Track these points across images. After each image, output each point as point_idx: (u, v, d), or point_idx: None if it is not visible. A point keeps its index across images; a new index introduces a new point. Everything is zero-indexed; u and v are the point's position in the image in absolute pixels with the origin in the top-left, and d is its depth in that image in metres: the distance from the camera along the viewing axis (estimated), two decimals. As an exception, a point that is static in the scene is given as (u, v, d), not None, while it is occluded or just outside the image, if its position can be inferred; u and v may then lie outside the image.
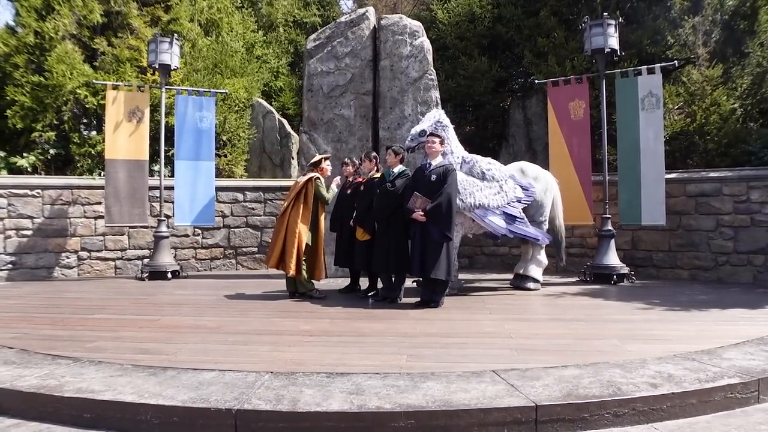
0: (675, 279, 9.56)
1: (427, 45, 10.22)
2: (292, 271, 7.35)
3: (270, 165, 13.98)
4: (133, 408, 3.53)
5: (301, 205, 7.49)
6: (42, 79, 11.81)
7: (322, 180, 7.71)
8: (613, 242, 9.19)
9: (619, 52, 9.47)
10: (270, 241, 8.36)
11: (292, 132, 14.14)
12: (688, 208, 9.60)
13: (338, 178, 8.05)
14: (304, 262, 7.48)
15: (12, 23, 12.98)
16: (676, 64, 10.47)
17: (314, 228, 7.60)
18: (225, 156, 13.21)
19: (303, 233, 7.42)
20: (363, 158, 7.94)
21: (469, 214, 7.57)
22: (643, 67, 9.35)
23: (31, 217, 9.95)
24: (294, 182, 8.43)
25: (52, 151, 12.07)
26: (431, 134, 7.11)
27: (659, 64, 9.32)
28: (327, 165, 7.88)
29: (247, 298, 7.64)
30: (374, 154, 7.96)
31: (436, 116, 7.79)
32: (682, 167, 10.56)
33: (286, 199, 7.80)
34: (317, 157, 7.92)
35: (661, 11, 12.02)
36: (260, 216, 11.45)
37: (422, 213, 6.62)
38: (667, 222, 9.17)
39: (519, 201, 7.87)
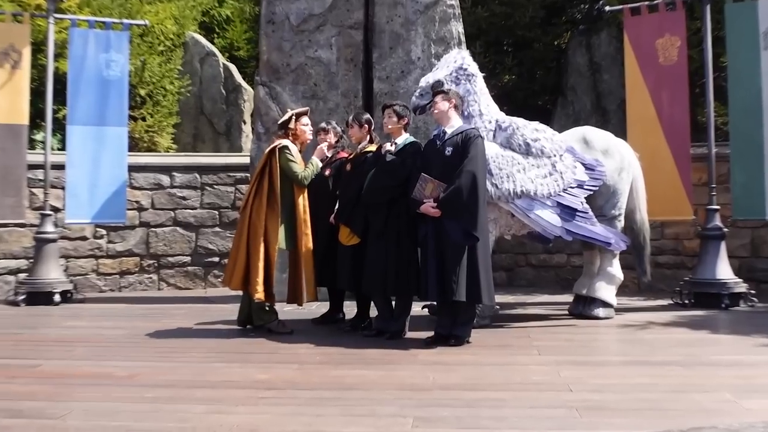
0: (816, 301, 9.55)
1: (446, -47, 10.19)
2: (259, 295, 7.19)
3: (211, 133, 13.97)
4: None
5: (265, 192, 7.35)
6: None
7: (294, 149, 7.56)
8: (723, 246, 9.18)
9: (732, -38, 9.46)
10: (230, 248, 8.25)
11: (243, 84, 14.12)
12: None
13: (324, 144, 7.86)
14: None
15: None
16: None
17: (290, 225, 7.48)
18: (143, 119, 13.18)
19: (272, 235, 7.31)
20: (350, 122, 7.83)
21: (506, 207, 7.55)
22: (767, -15, 9.33)
23: None
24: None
25: None
26: (438, 92, 7.04)
27: (792, -19, 9.29)
28: (304, 126, 7.75)
29: (176, 334, 7.59)
30: (367, 116, 7.89)
31: (458, 60, 7.76)
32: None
33: (250, 182, 7.75)
34: (288, 115, 7.77)
35: None
36: (196, 209, 11.44)
37: (435, 204, 6.57)
38: (805, 216, 9.17)
39: (581, 186, 7.85)
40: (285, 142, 7.48)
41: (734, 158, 9.42)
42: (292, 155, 7.42)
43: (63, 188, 10.19)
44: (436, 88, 7.27)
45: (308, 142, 7.78)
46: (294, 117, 7.65)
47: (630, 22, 10.00)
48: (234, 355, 6.56)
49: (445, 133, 6.87)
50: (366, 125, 7.70)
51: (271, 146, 7.56)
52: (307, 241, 7.43)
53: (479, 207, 6.60)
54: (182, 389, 5.28)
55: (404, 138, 7.18)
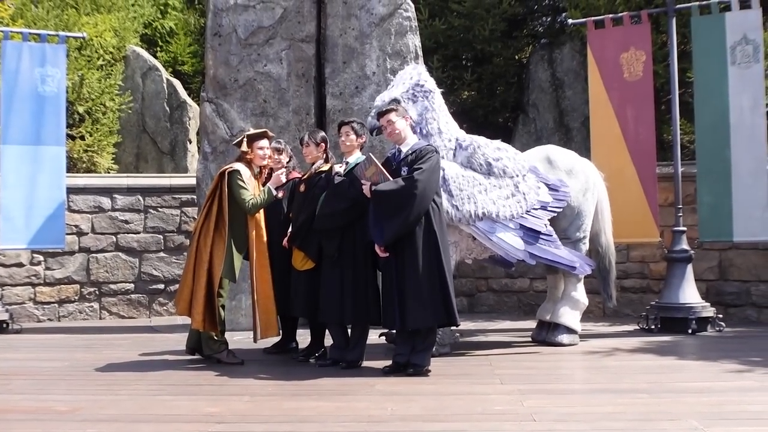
0: (786, 325, 9.72)
1: (401, -37, 10.29)
2: (197, 324, 7.21)
3: (155, 152, 13.91)
4: None
5: (213, 217, 7.32)
6: None
7: (247, 174, 7.44)
8: (690, 269, 9.31)
9: (697, -25, 9.63)
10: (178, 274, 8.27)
11: (189, 100, 14.09)
12: (805, 215, 9.77)
13: (281, 172, 7.60)
14: (222, 309, 7.40)
15: None
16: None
17: (239, 254, 7.44)
18: (82, 138, 13.09)
19: (217, 262, 7.26)
20: (305, 141, 7.76)
21: (467, 229, 7.60)
22: (733, -2, 9.52)
23: None
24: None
25: None
26: (387, 110, 7.01)
27: (758, -5, 9.48)
28: (260, 150, 7.59)
29: (119, 365, 7.53)
30: (322, 134, 7.89)
31: (414, 76, 7.80)
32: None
33: (201, 205, 7.74)
34: (241, 137, 7.69)
35: None
36: (139, 233, 11.39)
37: (371, 189, 6.57)
38: (772, 238, 9.33)
39: (545, 208, 7.92)
40: (237, 165, 7.42)
41: (701, 178, 9.54)
42: (242, 180, 7.31)
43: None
44: (395, 104, 7.31)
45: (263, 164, 7.65)
46: (246, 139, 7.52)
47: (594, 35, 10.13)
48: (181, 387, 6.53)
49: (400, 152, 6.90)
50: (322, 144, 7.69)
51: (222, 169, 7.51)
52: (263, 273, 7.40)
53: (408, 217, 6.52)
54: (126, 423, 5.25)
55: (356, 157, 7.17)
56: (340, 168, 7.12)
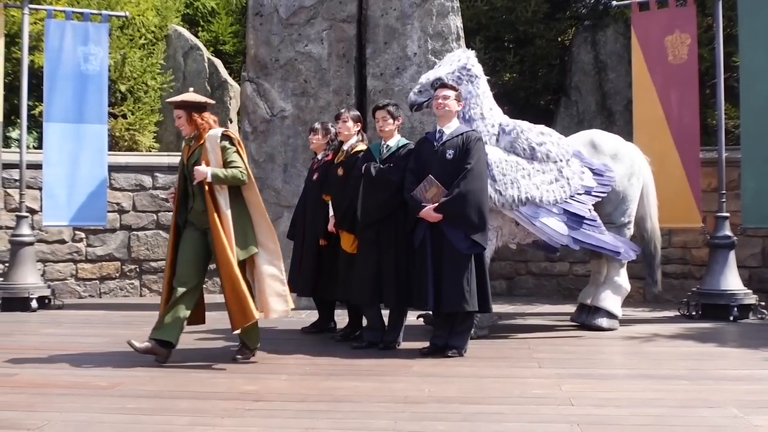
0: (829, 314, 9.60)
1: (444, -57, 10.24)
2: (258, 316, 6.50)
3: (195, 131, 13.96)
4: None
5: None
6: None
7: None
8: (733, 256, 9.24)
9: (744, -44, 9.50)
10: None
11: (229, 80, 14.13)
12: None
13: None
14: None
15: None
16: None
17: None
18: (124, 117, 13.18)
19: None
20: (342, 116, 7.73)
21: (510, 214, 7.59)
22: (782, -21, 9.37)
23: None
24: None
25: None
26: (442, 85, 7.05)
27: (808, -24, 9.33)
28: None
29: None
30: (358, 113, 7.91)
31: (462, 59, 7.78)
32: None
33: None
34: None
35: None
36: (179, 211, 11.44)
37: (435, 207, 6.60)
38: (819, 224, 9.21)
39: (589, 193, 7.88)
40: (219, 130, 6.63)
41: (745, 163, 9.42)
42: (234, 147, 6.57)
43: (40, 189, 10.21)
44: (437, 84, 7.31)
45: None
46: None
47: (638, 17, 10.03)
48: (220, 364, 6.56)
49: (442, 133, 6.88)
50: (358, 122, 7.73)
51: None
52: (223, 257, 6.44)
53: (484, 212, 6.66)
54: (165, 400, 5.33)
55: (396, 140, 7.19)
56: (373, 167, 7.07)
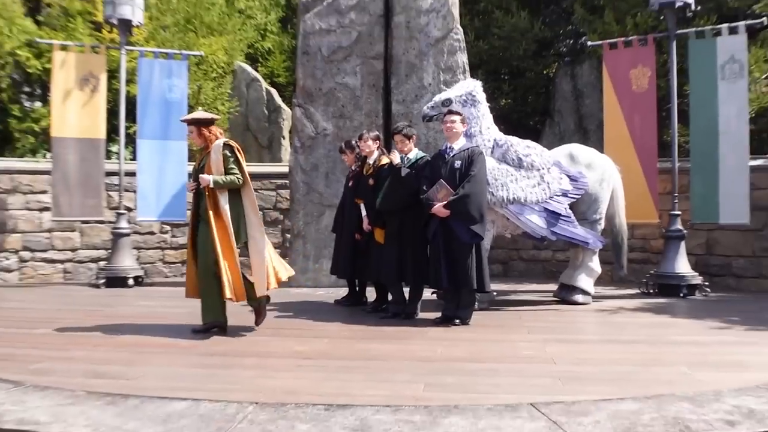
0: (759, 291, 9.55)
1: (453, -4, 10.25)
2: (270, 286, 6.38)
3: (255, 146, 14.05)
4: (87, 444, 3.59)
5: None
6: (-27, 37, 11.94)
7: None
8: (683, 245, 9.19)
9: (693, 7, 9.44)
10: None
11: (283, 105, 14.19)
12: (779, 203, 9.58)
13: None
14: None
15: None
16: (765, 22, 10.40)
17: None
18: (200, 134, 13.26)
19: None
20: (363, 137, 7.74)
21: (501, 211, 7.60)
22: (723, 25, 9.28)
23: (-40, 209, 10.09)
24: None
25: (-14, 127, 12.21)
26: (450, 111, 7.11)
27: (744, 22, 9.24)
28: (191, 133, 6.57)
29: (228, 311, 7.61)
30: (376, 133, 7.92)
31: (469, 87, 7.80)
32: (772, 152, 10.51)
33: None
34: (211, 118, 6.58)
35: (748, -44, 11.96)
36: (243, 209, 11.49)
37: (444, 205, 6.64)
38: (751, 220, 9.13)
39: (565, 195, 7.87)
40: (222, 140, 6.47)
41: (694, 172, 9.39)
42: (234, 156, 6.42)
43: (134, 191, 10.29)
44: (448, 104, 7.38)
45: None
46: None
47: (608, 55, 9.98)
48: (275, 330, 6.63)
49: (452, 149, 6.92)
50: (377, 141, 7.73)
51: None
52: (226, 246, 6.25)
53: (483, 210, 6.72)
54: (234, 357, 5.39)
55: (415, 153, 7.24)
56: (398, 161, 7.12)
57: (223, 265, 6.08)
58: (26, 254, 10.51)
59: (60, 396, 4.26)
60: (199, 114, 6.49)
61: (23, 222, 10.43)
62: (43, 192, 10.49)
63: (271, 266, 6.34)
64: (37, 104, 12.82)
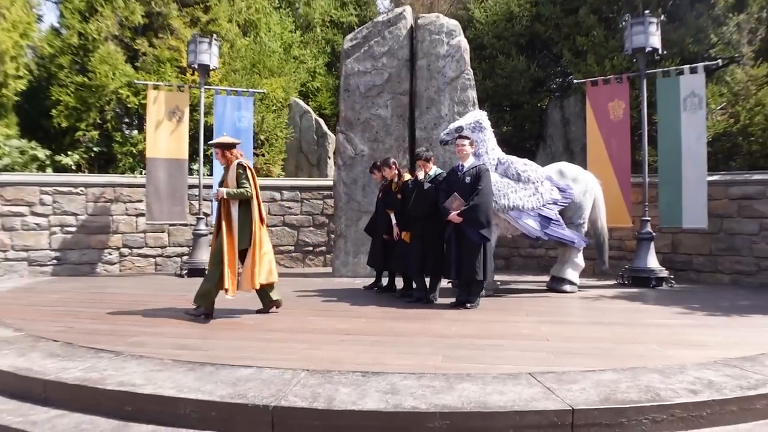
0: (716, 283, 9.36)
1: (464, 44, 10.19)
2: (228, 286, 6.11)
3: (306, 164, 14.11)
4: (172, 402, 3.61)
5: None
6: (86, 79, 12.15)
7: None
8: (652, 245, 9.04)
9: (660, 51, 9.31)
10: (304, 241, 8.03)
11: (328, 132, 14.25)
12: (731, 211, 9.38)
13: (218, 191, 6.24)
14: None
15: (57, 25, 13.38)
16: (720, 64, 10.27)
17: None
18: (263, 155, 13.37)
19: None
20: (388, 164, 7.88)
21: (503, 216, 7.55)
22: (685, 66, 9.17)
23: (75, 214, 10.21)
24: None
25: (95, 150, 12.40)
26: (460, 136, 7.10)
27: (702, 64, 9.12)
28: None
29: (283, 296, 7.58)
30: (392, 160, 7.99)
31: (477, 116, 7.80)
32: (725, 169, 10.35)
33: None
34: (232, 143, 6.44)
35: (705, 9, 11.78)
36: (297, 215, 11.55)
37: (458, 213, 6.63)
38: (708, 225, 8.97)
39: (555, 203, 7.79)
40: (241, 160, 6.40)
41: (661, 185, 9.26)
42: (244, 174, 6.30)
43: (211, 201, 10.36)
44: (459, 132, 7.38)
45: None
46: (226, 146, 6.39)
47: (591, 90, 9.87)
48: (321, 311, 6.64)
49: (463, 166, 6.93)
50: (393, 166, 7.86)
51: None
52: (231, 248, 6.14)
53: (489, 217, 6.73)
54: (289, 333, 5.40)
55: (434, 170, 7.28)
56: (422, 177, 7.18)
57: (226, 261, 6.01)
58: (125, 250, 10.61)
59: (151, 363, 4.29)
60: (223, 139, 6.43)
61: (123, 225, 10.54)
62: (139, 201, 10.60)
63: (257, 269, 6.14)
64: (135, 132, 12.98)
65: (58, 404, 3.88)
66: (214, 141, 6.52)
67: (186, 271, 9.88)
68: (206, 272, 6.38)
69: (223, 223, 6.12)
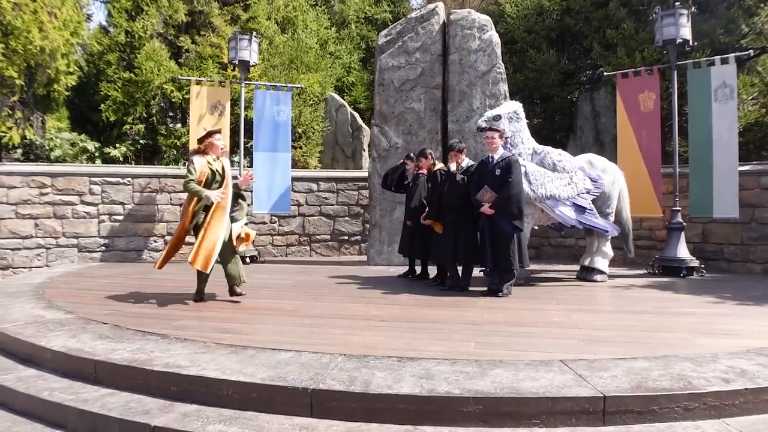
0: (747, 273, 9.12)
1: (496, 39, 10.06)
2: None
3: (342, 157, 14.11)
4: (215, 383, 3.65)
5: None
6: (132, 75, 12.33)
7: (198, 163, 6.14)
8: (683, 235, 8.84)
9: (691, 43, 9.07)
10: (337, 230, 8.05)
11: (363, 125, 14.22)
12: (762, 200, 9.11)
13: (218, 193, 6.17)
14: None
15: (105, 24, 13.60)
16: (751, 54, 9.95)
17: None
18: (300, 148, 13.43)
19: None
20: (422, 154, 7.95)
21: (539, 205, 7.46)
22: (716, 57, 8.91)
23: (122, 203, 10.38)
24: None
25: (141, 142, 12.60)
26: (489, 129, 7.01)
27: (733, 54, 8.84)
28: (217, 141, 6.29)
29: (321, 283, 7.72)
30: (428, 150, 8.01)
31: (515, 107, 7.73)
32: (757, 159, 10.06)
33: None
34: (203, 133, 6.44)
35: None
36: (333, 205, 11.57)
37: (490, 206, 6.57)
38: (740, 215, 8.73)
39: (588, 192, 7.70)
40: (193, 157, 6.24)
41: (692, 175, 9.04)
42: (191, 170, 6.10)
43: (251, 191, 10.44)
44: (497, 120, 7.33)
45: (221, 154, 6.40)
46: (206, 134, 6.37)
47: (621, 82, 9.69)
48: (358, 298, 6.64)
49: (493, 158, 6.85)
50: (429, 156, 7.90)
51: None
52: (215, 228, 6.15)
53: (521, 207, 6.66)
54: (327, 318, 5.42)
55: (466, 162, 7.20)
56: (455, 169, 7.14)
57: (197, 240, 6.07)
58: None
59: (195, 346, 4.34)
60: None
61: (168, 213, 10.68)
62: (183, 191, 10.71)
63: (197, 250, 5.95)
64: (178, 125, 13.13)
65: (108, 383, 3.97)
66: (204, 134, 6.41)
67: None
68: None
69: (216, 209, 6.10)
